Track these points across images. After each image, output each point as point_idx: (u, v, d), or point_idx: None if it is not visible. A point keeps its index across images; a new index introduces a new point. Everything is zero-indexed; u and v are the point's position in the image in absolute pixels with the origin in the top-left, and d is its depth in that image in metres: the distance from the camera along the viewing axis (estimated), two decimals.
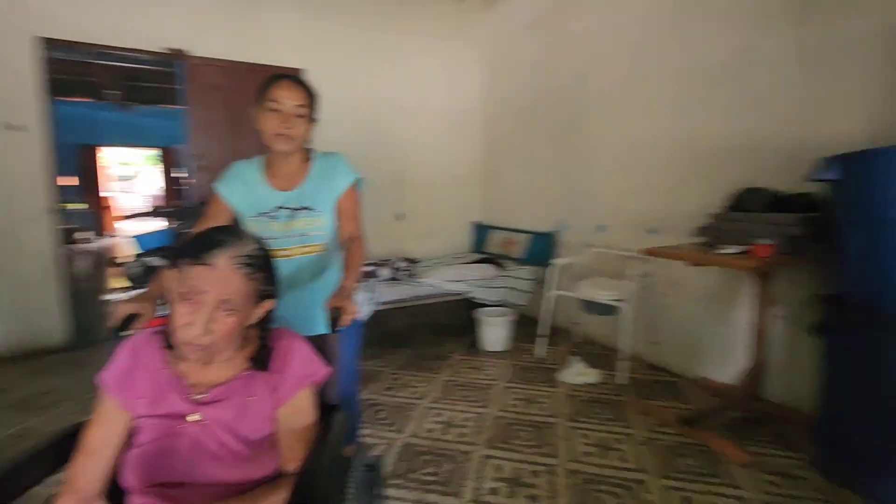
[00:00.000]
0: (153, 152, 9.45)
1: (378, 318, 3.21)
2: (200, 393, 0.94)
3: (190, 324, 0.85)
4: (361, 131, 4.22)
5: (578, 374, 2.90)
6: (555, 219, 3.93)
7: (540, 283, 3.77)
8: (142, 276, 4.36)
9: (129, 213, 9.29)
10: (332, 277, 1.45)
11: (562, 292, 3.21)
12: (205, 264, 0.85)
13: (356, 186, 1.47)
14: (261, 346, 0.98)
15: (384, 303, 3.26)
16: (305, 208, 1.42)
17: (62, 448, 0.93)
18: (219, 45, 3.61)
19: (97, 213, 8.02)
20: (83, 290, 4.13)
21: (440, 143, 4.65)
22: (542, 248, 3.97)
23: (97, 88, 6.36)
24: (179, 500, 0.89)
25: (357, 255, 1.35)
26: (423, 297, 3.46)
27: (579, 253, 3.53)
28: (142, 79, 6.05)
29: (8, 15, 3.01)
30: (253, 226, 1.43)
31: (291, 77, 1.38)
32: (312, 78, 3.95)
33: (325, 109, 3.88)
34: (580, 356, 3.07)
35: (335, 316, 1.12)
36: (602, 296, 2.94)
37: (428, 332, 3.75)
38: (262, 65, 3.73)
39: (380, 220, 4.43)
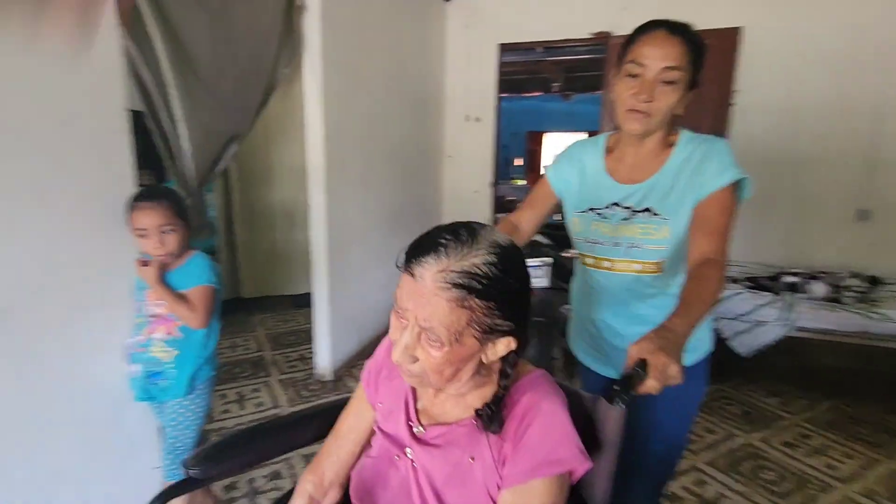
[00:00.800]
0: (584, 136, 10.47)
1: (792, 346, 2.42)
2: (423, 425, 0.75)
3: (396, 342, 0.67)
4: (809, 96, 3.15)
5: None
6: None
7: None
8: None
9: None
10: (664, 311, 0.90)
11: None
12: (410, 274, 0.63)
13: (734, 190, 0.95)
14: (496, 398, 0.69)
15: (805, 329, 2.40)
16: (647, 210, 1.02)
17: (330, 418, 0.90)
18: (642, 20, 3.43)
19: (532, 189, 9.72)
20: None
21: None
22: None
23: (545, 82, 7.46)
24: None
25: (708, 286, 0.84)
26: (878, 334, 2.35)
27: None
28: (578, 69, 6.63)
29: (484, 28, 3.81)
30: (576, 223, 1.12)
31: (666, 25, 0.97)
32: (751, 37, 3.30)
33: (761, 72, 3.22)
34: None
35: (634, 375, 0.67)
36: None
37: (880, 386, 2.53)
38: None
39: (830, 218, 3.23)
